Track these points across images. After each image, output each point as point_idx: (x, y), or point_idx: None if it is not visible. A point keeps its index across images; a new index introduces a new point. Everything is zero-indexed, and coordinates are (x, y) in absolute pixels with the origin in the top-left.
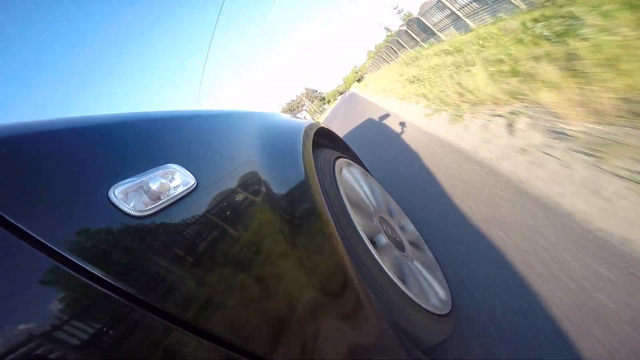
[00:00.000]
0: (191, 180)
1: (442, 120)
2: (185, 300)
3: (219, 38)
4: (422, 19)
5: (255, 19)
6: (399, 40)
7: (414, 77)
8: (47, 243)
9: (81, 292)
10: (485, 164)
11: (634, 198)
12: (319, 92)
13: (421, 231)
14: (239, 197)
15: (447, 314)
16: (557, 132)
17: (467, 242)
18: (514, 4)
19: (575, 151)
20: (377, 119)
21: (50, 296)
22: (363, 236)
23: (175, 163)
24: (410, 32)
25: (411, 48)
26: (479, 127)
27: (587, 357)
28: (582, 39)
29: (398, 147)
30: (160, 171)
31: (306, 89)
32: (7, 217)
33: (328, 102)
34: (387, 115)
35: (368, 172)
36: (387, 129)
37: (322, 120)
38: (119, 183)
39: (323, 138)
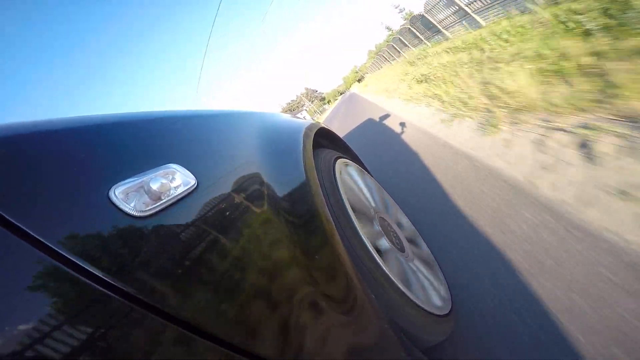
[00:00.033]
0: (192, 181)
1: (466, 130)
2: (185, 300)
3: (219, 38)
4: (427, 15)
5: (255, 19)
6: (401, 38)
7: (423, 75)
8: (47, 243)
9: (81, 292)
10: (563, 214)
11: None
12: (319, 92)
13: (416, 225)
14: (240, 197)
15: (446, 314)
16: None
17: None
18: None
19: None
20: (383, 125)
21: (50, 296)
22: (365, 240)
23: (176, 163)
24: (414, 29)
25: (414, 47)
26: (530, 145)
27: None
28: None
29: (414, 166)
30: (160, 171)
31: (306, 89)
32: (7, 217)
33: (328, 102)
34: (394, 120)
35: (367, 171)
36: (397, 138)
37: (321, 121)
38: (119, 183)
39: (323, 138)
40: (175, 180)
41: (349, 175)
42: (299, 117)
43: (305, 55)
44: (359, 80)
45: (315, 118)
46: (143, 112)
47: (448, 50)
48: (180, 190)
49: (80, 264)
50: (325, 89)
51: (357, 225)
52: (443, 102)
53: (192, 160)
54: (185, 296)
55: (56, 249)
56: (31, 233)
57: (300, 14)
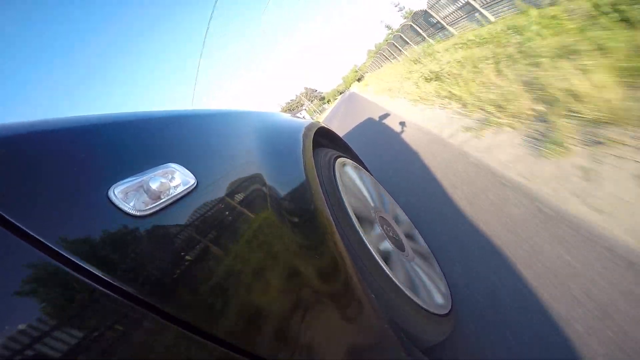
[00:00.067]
0: (191, 180)
1: (508, 145)
2: (185, 300)
3: (219, 38)
4: (430, 11)
5: (255, 19)
6: (402, 36)
7: (433, 73)
8: (47, 242)
9: (81, 292)
10: None
11: None
12: (319, 92)
13: (412, 219)
14: (239, 196)
15: (446, 314)
16: None
17: None
18: None
19: None
20: (394, 133)
21: (50, 296)
22: (371, 249)
23: (175, 162)
24: (416, 26)
25: (416, 44)
26: (635, 182)
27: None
28: None
29: (447, 208)
30: (160, 171)
31: (306, 88)
32: (7, 217)
33: (328, 101)
34: (403, 125)
35: (367, 169)
36: (409, 153)
37: (321, 120)
38: (119, 182)
39: (323, 137)
40: (175, 179)
41: (348, 174)
42: (298, 117)
43: (305, 55)
44: (358, 80)
45: (314, 117)
46: (142, 112)
47: (460, 45)
48: (179, 189)
49: (80, 263)
50: (324, 88)
51: (360, 231)
52: (464, 104)
53: (191, 160)
54: (184, 296)
55: (56, 248)
56: (31, 233)
57: (300, 14)
